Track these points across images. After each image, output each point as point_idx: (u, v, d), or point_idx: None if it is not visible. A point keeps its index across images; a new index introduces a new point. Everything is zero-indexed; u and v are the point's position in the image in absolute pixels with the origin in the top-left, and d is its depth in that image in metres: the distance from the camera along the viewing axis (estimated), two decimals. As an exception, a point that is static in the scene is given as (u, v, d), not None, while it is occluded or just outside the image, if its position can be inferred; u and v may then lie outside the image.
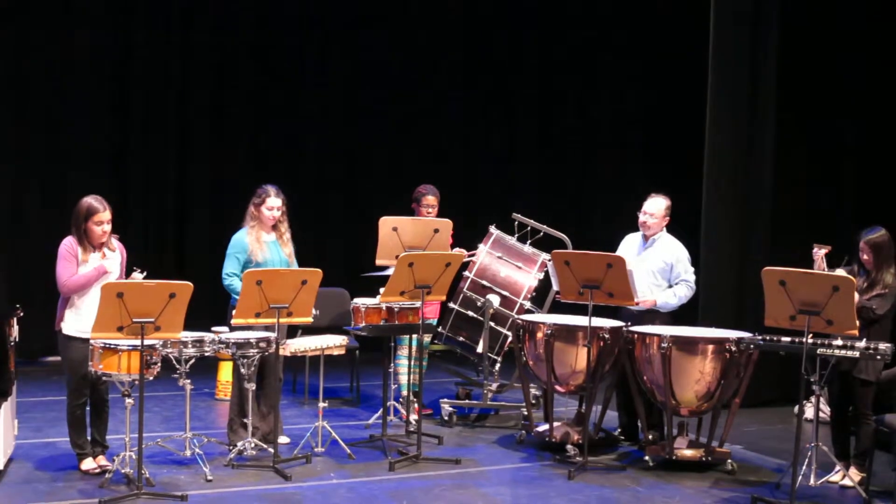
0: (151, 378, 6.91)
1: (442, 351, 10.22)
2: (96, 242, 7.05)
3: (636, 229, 8.32)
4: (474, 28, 12.90)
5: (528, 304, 8.71)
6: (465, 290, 8.70)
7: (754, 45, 9.80)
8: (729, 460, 7.65)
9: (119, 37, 11.44)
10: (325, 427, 7.86)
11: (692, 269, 8.24)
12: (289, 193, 7.98)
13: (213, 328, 7.74)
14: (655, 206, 8.19)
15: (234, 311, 7.25)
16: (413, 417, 8.33)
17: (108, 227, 7.06)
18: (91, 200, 7.05)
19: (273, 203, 7.81)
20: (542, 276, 8.74)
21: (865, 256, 7.18)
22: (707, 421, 7.78)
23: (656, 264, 8.17)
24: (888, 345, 6.71)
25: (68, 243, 7.02)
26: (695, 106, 10.26)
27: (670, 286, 8.20)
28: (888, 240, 7.18)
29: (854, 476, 7.18)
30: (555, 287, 8.26)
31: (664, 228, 8.24)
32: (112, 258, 7.13)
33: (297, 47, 12.21)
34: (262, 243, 7.78)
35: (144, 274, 7.07)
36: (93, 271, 6.97)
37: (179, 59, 11.71)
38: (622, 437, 8.43)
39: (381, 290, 7.69)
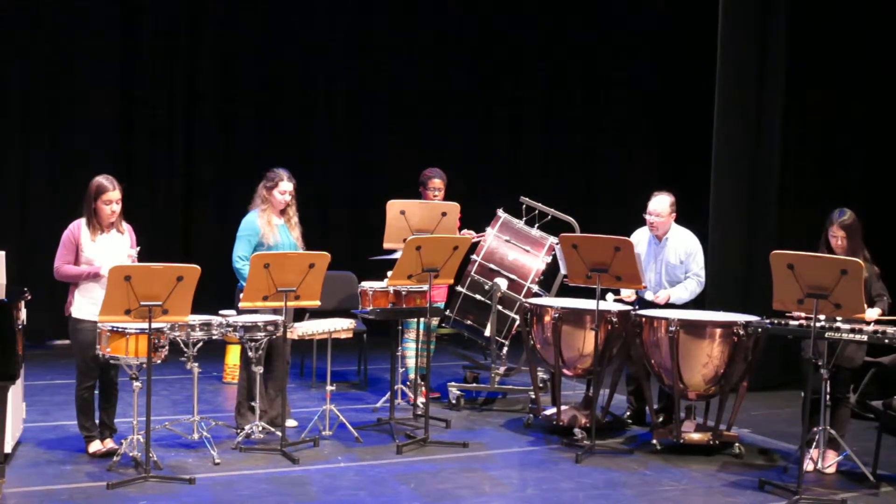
0: (159, 361, 6.92)
1: (449, 334, 10.22)
2: (105, 222, 7.06)
3: (644, 214, 8.29)
4: (479, 12, 12.87)
5: (535, 288, 8.71)
6: (472, 273, 8.70)
7: (763, 32, 9.78)
8: (736, 444, 7.65)
9: (126, 24, 11.45)
10: (333, 410, 7.87)
11: (703, 265, 8.22)
12: (296, 177, 7.97)
13: (221, 311, 7.74)
14: (661, 206, 8.13)
15: (241, 295, 7.25)
16: (420, 401, 8.33)
17: (116, 207, 7.07)
18: (101, 179, 7.07)
19: (285, 187, 7.81)
20: (549, 259, 8.74)
21: (839, 241, 7.12)
22: (715, 404, 7.77)
23: (673, 261, 8.15)
24: (896, 329, 6.70)
25: (72, 228, 7.04)
26: (704, 91, 10.25)
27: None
28: (858, 221, 7.15)
29: (829, 457, 7.20)
30: (562, 271, 8.25)
31: (672, 223, 8.21)
32: (119, 244, 7.13)
33: (306, 28, 12.18)
34: (273, 226, 7.79)
35: (138, 248, 7.09)
36: (87, 269, 6.98)
37: (186, 45, 11.72)
38: (630, 421, 8.43)
39: (389, 273, 7.69)
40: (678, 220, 8.26)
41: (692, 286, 8.15)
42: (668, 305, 8.09)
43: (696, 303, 8.39)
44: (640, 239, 8.23)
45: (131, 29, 11.49)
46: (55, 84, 11.20)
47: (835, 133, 10.10)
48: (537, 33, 13.05)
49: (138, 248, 7.15)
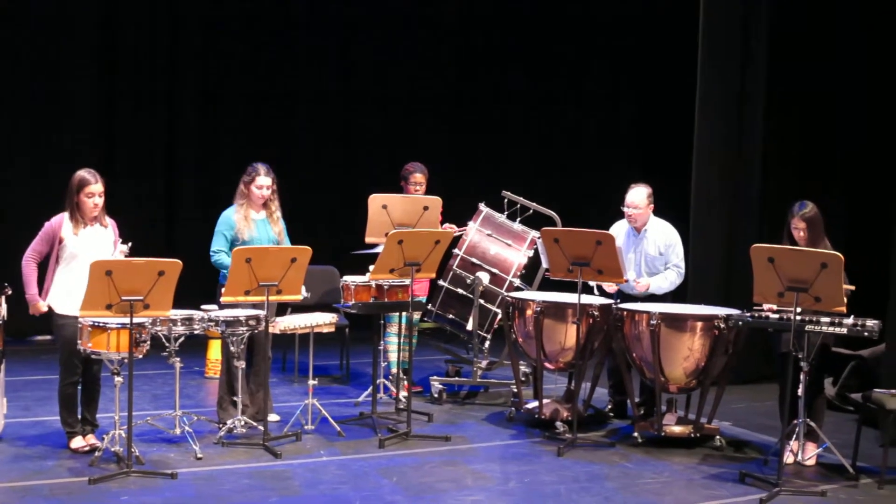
0: (140, 356, 6.90)
1: (431, 328, 10.22)
2: (88, 216, 7.03)
3: (622, 207, 8.31)
4: (465, 7, 12.88)
5: (517, 282, 8.72)
6: (454, 267, 8.71)
7: (745, 22, 9.84)
8: (717, 436, 7.69)
9: (107, 20, 11.41)
10: (315, 405, 7.87)
11: (682, 256, 8.25)
12: (279, 171, 7.97)
13: (203, 306, 7.74)
14: (638, 197, 8.16)
15: (223, 289, 7.24)
16: (403, 395, 8.34)
17: (99, 201, 7.05)
18: (83, 173, 7.05)
19: (262, 182, 7.80)
20: (531, 253, 8.75)
21: (801, 234, 7.17)
22: (696, 397, 7.80)
23: (652, 252, 8.18)
24: (876, 322, 6.73)
25: (53, 222, 7.02)
26: (686, 85, 10.28)
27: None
28: (819, 213, 7.20)
29: (809, 449, 7.23)
30: (544, 264, 8.27)
31: (651, 215, 8.24)
32: (102, 237, 7.11)
33: (289, 24, 12.18)
34: (251, 221, 7.79)
35: (130, 245, 7.07)
36: (32, 295, 6.95)
37: (169, 35, 11.68)
38: (611, 414, 8.46)
39: (371, 267, 7.69)
40: (659, 213, 8.29)
41: (672, 277, 8.18)
42: (649, 298, 8.13)
43: (678, 296, 8.43)
44: (618, 231, 8.25)
45: (113, 25, 11.43)
46: (38, 80, 11.13)
47: (817, 127, 10.14)
48: (522, 28, 13.05)
49: (129, 245, 7.12)
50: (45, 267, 7.08)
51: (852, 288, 6.85)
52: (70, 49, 11.23)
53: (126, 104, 11.55)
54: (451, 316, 8.84)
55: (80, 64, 11.29)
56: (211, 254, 7.78)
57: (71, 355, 6.99)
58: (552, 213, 9.17)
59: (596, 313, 7.77)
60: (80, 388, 7.16)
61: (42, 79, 11.15)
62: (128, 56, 11.51)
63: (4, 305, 7.24)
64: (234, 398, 7.68)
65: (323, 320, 8.04)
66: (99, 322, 6.72)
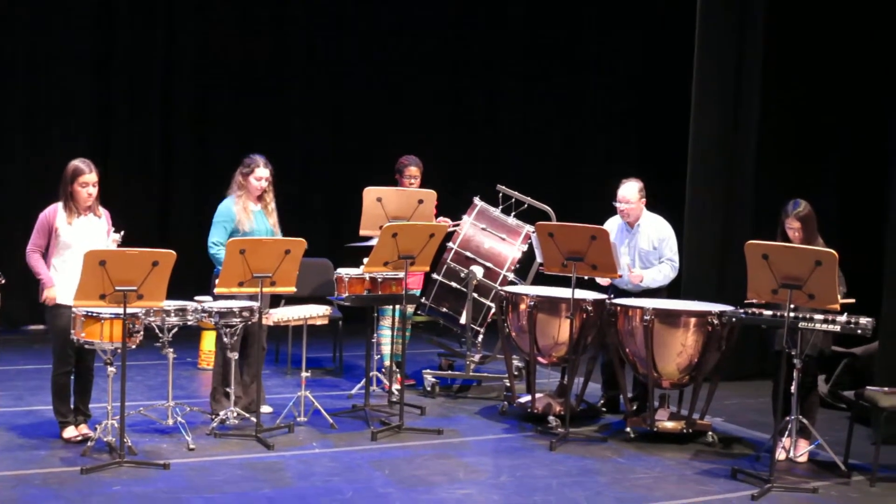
0: (134, 347, 6.89)
1: (425, 322, 10.22)
2: (82, 206, 7.02)
3: (614, 203, 8.30)
4: (468, 5, 12.89)
5: (511, 276, 8.72)
6: (448, 261, 8.71)
7: (742, 22, 9.84)
8: (710, 432, 7.70)
9: (101, 11, 11.38)
10: (308, 397, 7.87)
11: (676, 251, 8.25)
12: (274, 163, 7.96)
13: (197, 297, 7.73)
14: (630, 192, 8.14)
15: (217, 281, 7.23)
16: (395, 388, 8.33)
17: (93, 190, 7.04)
18: (78, 162, 7.04)
19: (261, 173, 7.80)
20: (525, 247, 8.75)
21: (796, 233, 7.18)
22: (688, 393, 7.81)
23: (645, 247, 8.18)
24: (869, 319, 6.74)
25: (47, 213, 7.00)
26: (682, 81, 10.27)
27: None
28: (812, 212, 7.21)
29: (801, 446, 7.25)
30: (538, 259, 8.27)
31: (644, 209, 8.24)
32: (96, 227, 7.11)
33: (286, 20, 12.18)
34: (250, 213, 7.79)
35: (122, 233, 7.07)
36: (44, 277, 6.96)
37: (164, 29, 11.66)
38: (604, 409, 8.47)
39: (365, 260, 7.69)
40: (653, 208, 8.29)
41: (666, 270, 8.18)
42: (643, 293, 8.13)
43: (672, 292, 8.43)
44: (612, 227, 8.25)
45: (107, 17, 11.41)
46: (32, 68, 11.12)
47: (813, 124, 10.14)
48: (521, 26, 13.05)
49: (122, 233, 7.12)
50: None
51: (852, 301, 6.84)
52: (66, 42, 11.20)
53: (121, 98, 11.52)
54: (444, 309, 8.84)
55: (75, 54, 11.26)
56: (209, 245, 7.75)
57: (64, 345, 6.99)
58: (547, 207, 9.17)
59: (589, 308, 7.77)
60: (73, 377, 7.15)
61: (36, 66, 11.12)
62: (124, 48, 11.47)
63: (-2, 295, 7.23)
64: (228, 389, 7.68)
65: (316, 312, 8.04)
66: (92, 312, 6.71)
